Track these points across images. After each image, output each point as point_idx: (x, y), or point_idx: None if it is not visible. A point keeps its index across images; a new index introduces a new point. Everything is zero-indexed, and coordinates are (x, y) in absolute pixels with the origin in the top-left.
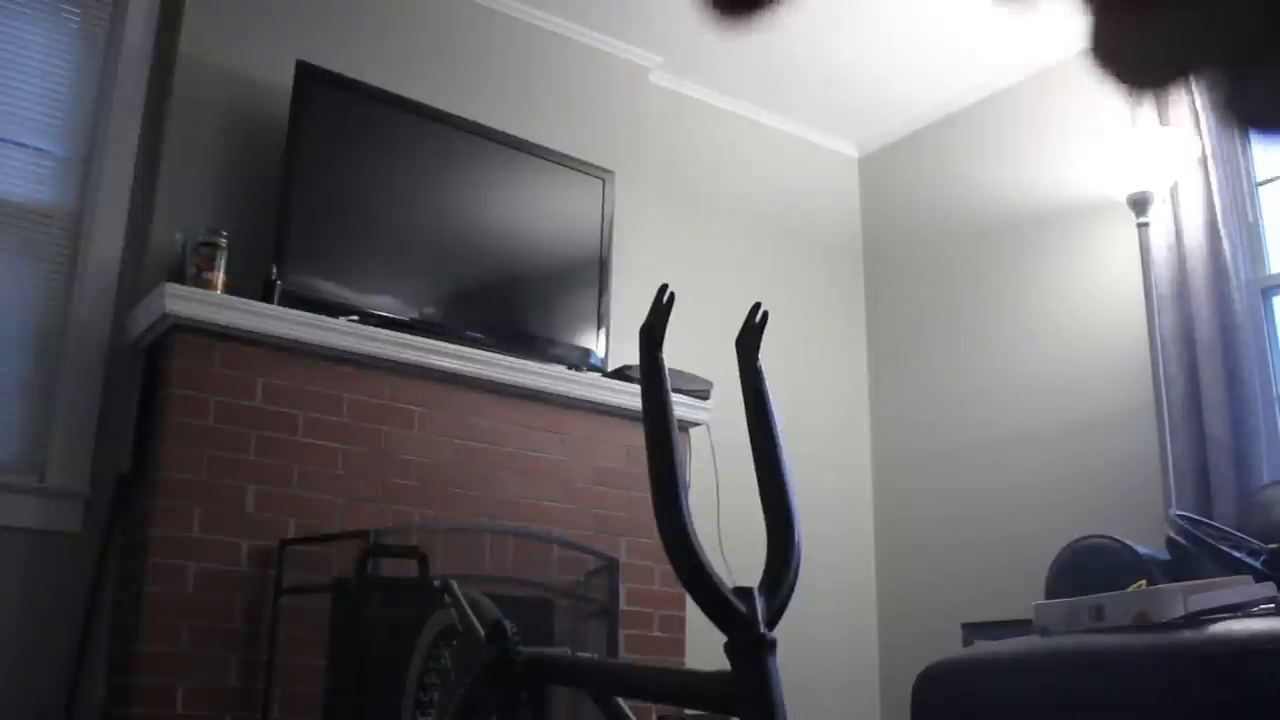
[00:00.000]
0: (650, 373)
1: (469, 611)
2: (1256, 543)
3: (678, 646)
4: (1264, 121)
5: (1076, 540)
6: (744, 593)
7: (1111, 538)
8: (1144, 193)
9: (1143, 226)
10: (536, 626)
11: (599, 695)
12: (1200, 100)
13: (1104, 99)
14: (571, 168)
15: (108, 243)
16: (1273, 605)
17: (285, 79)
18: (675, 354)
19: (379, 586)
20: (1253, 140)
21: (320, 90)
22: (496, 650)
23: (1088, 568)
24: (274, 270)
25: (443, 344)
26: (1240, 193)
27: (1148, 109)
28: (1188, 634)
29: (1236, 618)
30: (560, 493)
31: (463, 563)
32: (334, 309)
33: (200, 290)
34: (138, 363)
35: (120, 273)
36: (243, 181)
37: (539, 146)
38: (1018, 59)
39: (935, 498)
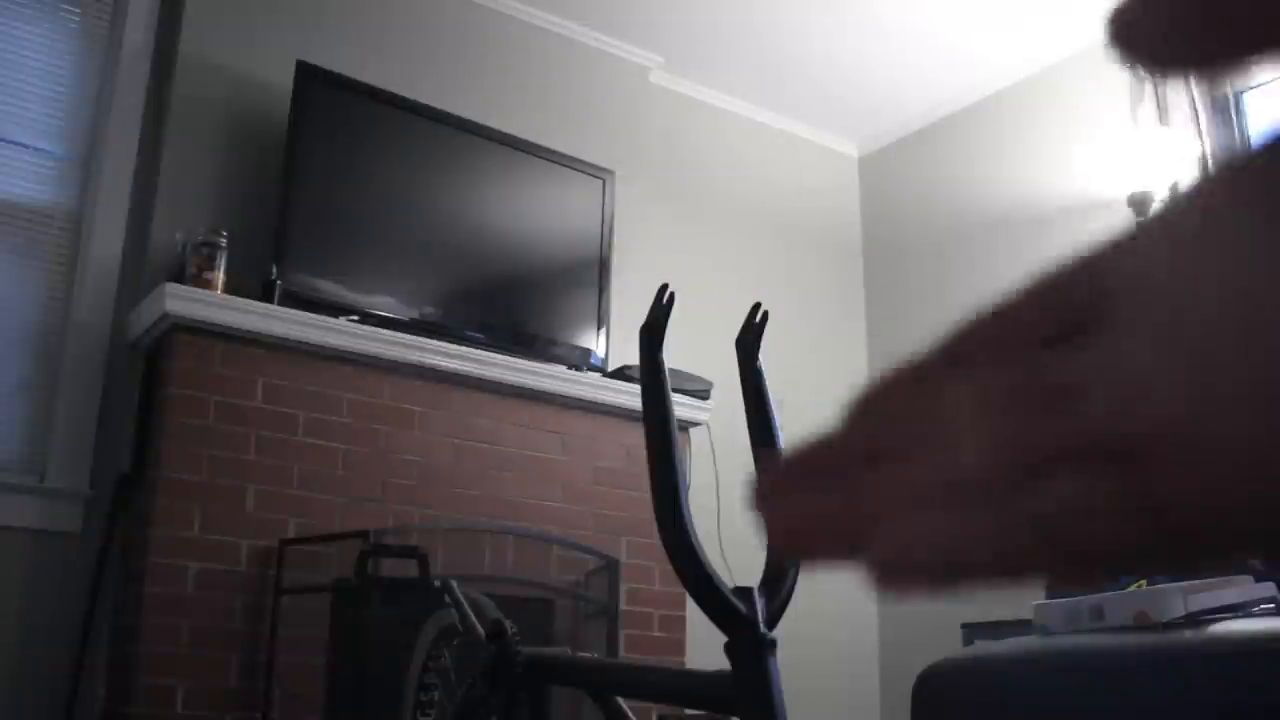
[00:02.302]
0: (650, 373)
1: (469, 611)
2: None
3: (678, 646)
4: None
5: None
6: (744, 593)
7: None
8: (1144, 193)
9: None
10: (536, 626)
11: (599, 695)
12: (1200, 100)
13: (1104, 99)
14: (571, 168)
15: (108, 243)
16: (1273, 605)
17: (285, 79)
18: (675, 354)
19: (379, 586)
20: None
21: (320, 90)
22: (496, 650)
23: None
24: (274, 270)
25: (443, 344)
26: None
27: (1148, 108)
28: (1188, 634)
29: (1236, 618)
30: (560, 493)
31: (463, 563)
32: (334, 309)
33: (200, 290)
34: (138, 363)
35: (120, 273)
36: (243, 181)
37: (539, 146)
38: (1018, 59)
39: None
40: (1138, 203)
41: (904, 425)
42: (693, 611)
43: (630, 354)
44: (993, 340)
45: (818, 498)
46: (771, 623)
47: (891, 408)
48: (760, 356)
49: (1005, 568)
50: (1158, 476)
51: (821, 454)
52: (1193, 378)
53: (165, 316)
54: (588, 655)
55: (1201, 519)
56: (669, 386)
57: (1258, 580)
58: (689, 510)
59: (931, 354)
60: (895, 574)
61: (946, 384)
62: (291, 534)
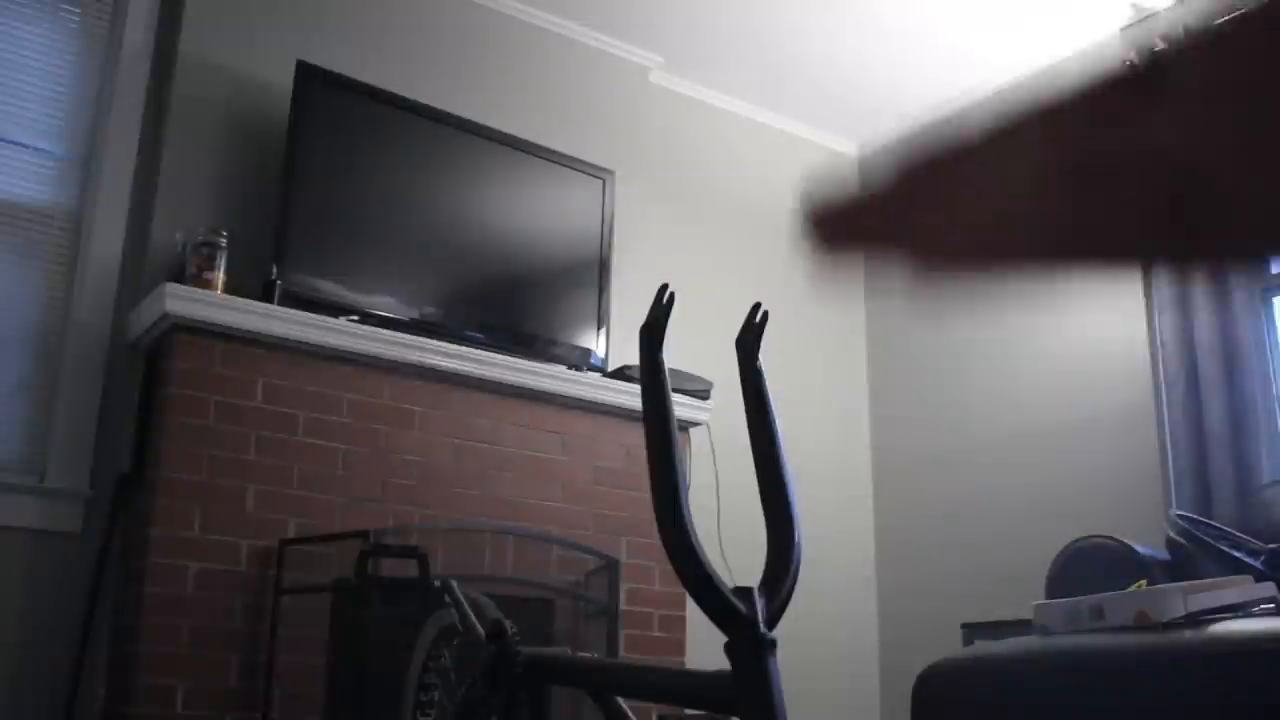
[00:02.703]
0: (650, 373)
1: (469, 611)
2: (1256, 543)
3: (678, 646)
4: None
5: (1076, 540)
6: (744, 593)
7: (1111, 538)
8: None
9: None
10: (536, 626)
11: (599, 695)
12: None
13: None
14: (571, 168)
15: (108, 243)
16: (1273, 605)
17: (285, 79)
18: (675, 354)
19: (379, 586)
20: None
21: (320, 90)
22: (496, 650)
23: (1088, 568)
24: (274, 270)
25: (443, 344)
26: None
27: None
28: (1188, 634)
29: (1236, 618)
30: (560, 493)
31: (463, 563)
32: (334, 309)
33: (200, 290)
34: (138, 363)
35: (120, 273)
36: (243, 181)
37: (539, 146)
38: (1018, 59)
39: (934, 498)
40: None
41: (962, 165)
42: (693, 611)
43: (630, 354)
44: (1053, 106)
45: (868, 216)
46: (771, 623)
47: (947, 156)
48: (760, 356)
49: (1050, 253)
50: (1204, 191)
51: (874, 191)
52: (1228, 132)
53: (165, 316)
54: (588, 655)
55: (1231, 228)
56: (669, 386)
57: (1258, 580)
58: (689, 510)
59: (987, 120)
60: (940, 254)
61: (1014, 128)
62: (291, 534)
